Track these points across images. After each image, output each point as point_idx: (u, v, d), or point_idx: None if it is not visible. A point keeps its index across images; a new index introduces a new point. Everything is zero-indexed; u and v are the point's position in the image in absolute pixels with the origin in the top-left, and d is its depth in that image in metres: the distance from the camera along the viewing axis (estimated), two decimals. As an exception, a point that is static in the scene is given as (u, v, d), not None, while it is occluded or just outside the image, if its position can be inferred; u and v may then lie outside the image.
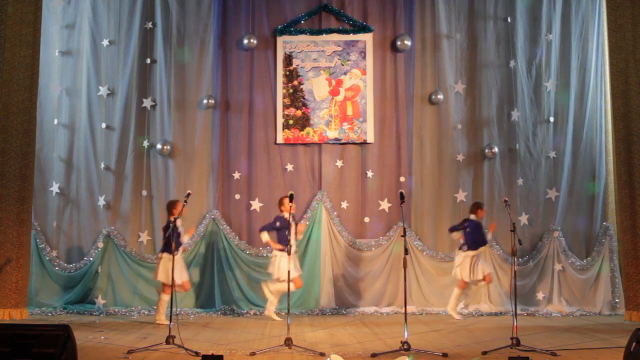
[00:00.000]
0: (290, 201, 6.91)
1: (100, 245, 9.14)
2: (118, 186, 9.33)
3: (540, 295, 9.17)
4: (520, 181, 9.40)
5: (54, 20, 9.40)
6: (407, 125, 9.55)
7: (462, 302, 9.12)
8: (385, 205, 9.46)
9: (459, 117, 9.55)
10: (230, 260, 9.19)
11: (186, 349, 6.04)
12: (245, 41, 9.38)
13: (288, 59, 9.55)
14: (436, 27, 9.59)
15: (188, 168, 9.39)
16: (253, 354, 5.93)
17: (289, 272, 6.61)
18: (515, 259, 6.90)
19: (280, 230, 8.19)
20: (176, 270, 7.39)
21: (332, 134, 9.49)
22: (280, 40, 9.55)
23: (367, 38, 9.55)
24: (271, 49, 9.60)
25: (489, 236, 8.54)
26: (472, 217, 8.46)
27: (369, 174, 9.48)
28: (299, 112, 9.49)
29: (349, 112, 9.51)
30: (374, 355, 5.89)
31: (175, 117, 9.44)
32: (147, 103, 9.41)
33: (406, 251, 6.28)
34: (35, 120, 8.57)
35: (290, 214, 7.18)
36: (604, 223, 9.32)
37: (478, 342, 6.64)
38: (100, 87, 9.40)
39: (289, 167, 9.46)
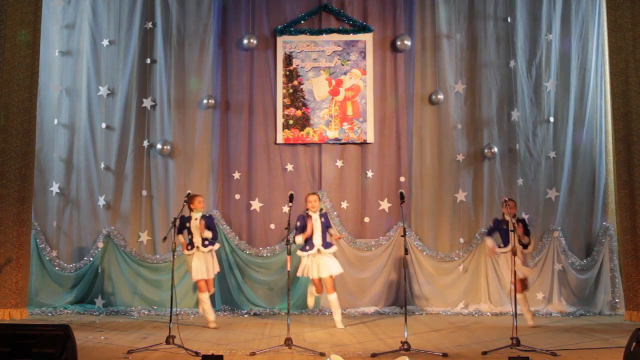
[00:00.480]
0: (290, 201, 6.91)
1: (100, 245, 9.15)
2: (118, 186, 9.33)
3: (540, 295, 9.17)
4: (520, 181, 9.40)
5: (54, 20, 9.40)
6: (407, 125, 9.55)
7: (463, 302, 9.15)
8: (385, 205, 9.46)
9: (459, 117, 9.55)
10: (230, 260, 9.19)
11: (186, 349, 6.05)
12: (245, 41, 9.38)
13: (288, 59, 9.55)
14: (436, 27, 9.59)
15: (188, 168, 9.39)
16: (253, 354, 5.94)
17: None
18: (515, 259, 6.90)
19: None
20: (203, 266, 7.66)
21: (332, 134, 9.49)
22: (280, 40, 9.55)
23: (367, 38, 9.55)
24: (271, 49, 9.60)
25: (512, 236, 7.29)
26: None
27: (369, 174, 9.48)
28: (299, 112, 9.49)
29: (349, 112, 9.51)
30: (374, 355, 5.89)
31: (175, 117, 9.44)
32: (147, 103, 9.41)
33: (406, 251, 6.29)
34: (35, 120, 8.57)
35: (316, 210, 7.51)
36: (604, 223, 9.32)
37: (478, 342, 6.64)
38: (100, 87, 9.40)
39: (289, 167, 9.46)
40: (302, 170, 9.52)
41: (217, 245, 7.98)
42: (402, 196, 6.69)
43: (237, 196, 9.40)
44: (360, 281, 9.28)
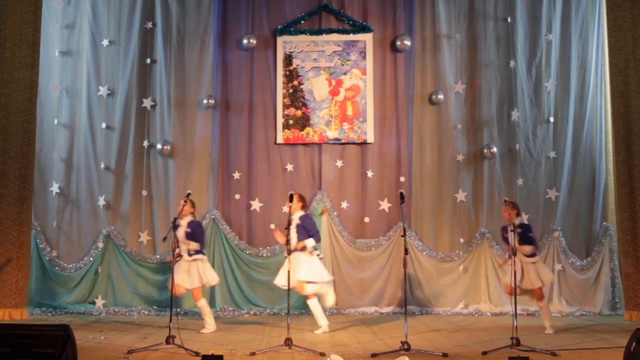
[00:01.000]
0: (290, 201, 6.90)
1: (100, 245, 9.14)
2: (118, 186, 9.33)
3: (540, 295, 9.17)
4: (520, 181, 9.40)
5: (54, 20, 9.40)
6: (407, 125, 9.55)
7: (463, 302, 9.15)
8: (385, 205, 9.46)
9: (459, 117, 9.55)
10: (230, 260, 9.19)
11: (186, 349, 6.05)
12: (245, 41, 9.38)
13: (288, 59, 9.55)
14: (436, 27, 9.58)
15: (188, 168, 9.39)
16: (253, 354, 5.94)
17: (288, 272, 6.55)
18: (515, 259, 6.90)
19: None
20: (186, 275, 7.32)
21: (332, 134, 9.49)
22: (280, 40, 9.55)
23: (367, 38, 9.54)
24: (271, 49, 9.60)
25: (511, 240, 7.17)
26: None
27: (369, 174, 9.48)
28: (299, 112, 9.49)
29: (349, 112, 9.51)
30: (374, 355, 5.89)
31: (175, 117, 9.44)
32: (147, 103, 9.41)
33: (406, 251, 6.29)
34: (35, 120, 8.58)
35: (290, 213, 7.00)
36: (604, 223, 9.32)
37: (478, 342, 6.64)
38: (100, 87, 9.40)
39: (289, 167, 9.46)
40: (302, 170, 9.51)
41: (201, 256, 7.50)
42: (402, 196, 6.69)
43: (237, 196, 9.40)
44: (360, 281, 9.28)
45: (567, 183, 9.42)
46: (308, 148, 9.56)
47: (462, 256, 9.32)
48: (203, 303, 7.49)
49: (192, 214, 7.60)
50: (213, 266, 9.18)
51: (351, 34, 9.55)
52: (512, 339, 6.23)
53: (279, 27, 9.51)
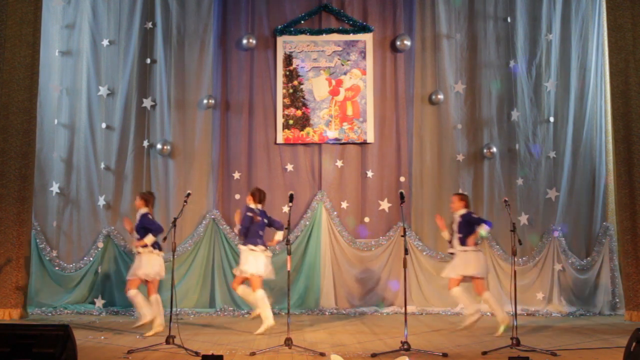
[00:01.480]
0: (290, 201, 6.89)
1: (100, 245, 9.14)
2: (118, 186, 9.32)
3: (540, 295, 9.17)
4: (520, 181, 9.40)
5: (54, 20, 9.40)
6: (407, 125, 9.55)
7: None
8: (385, 205, 9.46)
9: (459, 117, 9.55)
10: (230, 260, 9.17)
11: (186, 349, 6.05)
12: (245, 41, 9.38)
13: (288, 59, 9.55)
14: (436, 27, 9.58)
15: (188, 168, 9.39)
16: (253, 354, 5.94)
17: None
18: (515, 259, 6.90)
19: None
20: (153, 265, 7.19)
21: (332, 134, 9.49)
22: (280, 40, 9.55)
23: (367, 38, 9.54)
24: (271, 49, 9.60)
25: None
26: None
27: (369, 174, 9.48)
28: (299, 112, 9.49)
29: (349, 112, 9.51)
30: (374, 355, 5.89)
31: (175, 117, 9.44)
32: (147, 103, 9.41)
33: (406, 251, 6.28)
34: (35, 120, 8.58)
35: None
36: (604, 223, 9.32)
37: (478, 342, 6.64)
38: (100, 87, 9.40)
39: (289, 167, 9.46)
40: (302, 170, 9.51)
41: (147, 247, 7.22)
42: (402, 196, 6.68)
43: (237, 196, 9.39)
44: (360, 281, 9.28)
45: (567, 183, 9.41)
46: (308, 148, 9.56)
47: (462, 256, 9.31)
48: (132, 294, 7.22)
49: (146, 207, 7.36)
50: (213, 266, 9.22)
51: (351, 34, 9.55)
52: (512, 339, 6.23)
53: (279, 27, 9.51)
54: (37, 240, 9.07)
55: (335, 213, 9.38)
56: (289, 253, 6.51)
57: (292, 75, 9.53)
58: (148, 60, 9.42)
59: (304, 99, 9.52)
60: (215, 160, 9.39)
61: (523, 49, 9.55)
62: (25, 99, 8.39)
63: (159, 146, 9.28)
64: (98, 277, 9.11)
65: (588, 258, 9.27)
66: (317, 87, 9.54)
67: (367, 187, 9.50)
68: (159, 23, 9.45)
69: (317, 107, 9.51)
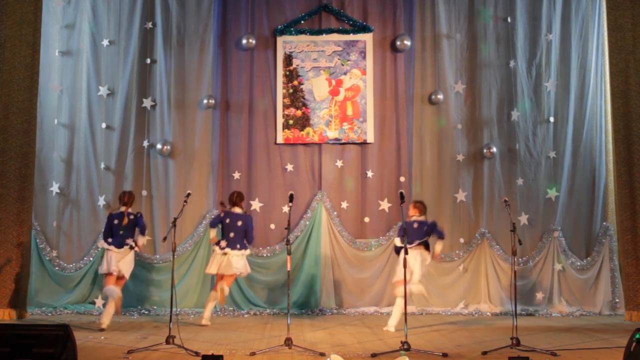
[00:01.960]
0: (290, 201, 6.89)
1: (100, 245, 9.13)
2: (118, 186, 9.31)
3: (540, 295, 9.17)
4: (520, 181, 9.40)
5: (54, 20, 9.39)
6: (407, 125, 9.55)
7: (463, 302, 9.14)
8: (385, 205, 9.46)
9: (459, 117, 9.55)
10: (230, 260, 9.18)
11: (186, 349, 6.05)
12: (245, 41, 9.38)
13: (288, 59, 9.55)
14: (436, 27, 9.59)
15: (188, 168, 9.39)
16: (253, 354, 5.94)
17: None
18: (515, 259, 6.90)
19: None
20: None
21: (332, 134, 9.49)
22: (280, 40, 9.55)
23: (367, 38, 9.55)
24: (271, 49, 9.60)
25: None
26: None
27: (369, 174, 9.48)
28: (299, 112, 9.49)
29: (349, 112, 9.51)
30: (374, 355, 5.89)
31: (175, 117, 9.44)
32: (147, 103, 9.41)
33: (406, 251, 6.28)
34: (35, 120, 8.58)
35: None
36: (604, 223, 9.32)
37: (478, 342, 6.64)
38: (100, 87, 9.40)
39: (289, 167, 9.46)
40: (302, 170, 9.51)
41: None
42: (402, 196, 6.68)
43: (237, 196, 9.39)
44: (360, 281, 9.28)
45: (567, 183, 9.42)
46: (308, 148, 9.56)
47: (462, 256, 9.32)
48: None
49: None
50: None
51: (351, 34, 9.55)
52: (512, 339, 6.23)
53: (279, 27, 9.51)
54: (37, 240, 9.06)
55: (335, 213, 9.38)
56: (289, 253, 6.51)
57: (292, 75, 9.53)
58: (148, 60, 9.42)
59: (304, 99, 9.52)
60: (215, 160, 9.39)
61: (523, 49, 9.55)
62: (25, 99, 8.39)
63: (159, 146, 9.28)
64: (98, 277, 9.08)
65: (588, 258, 9.28)
66: (317, 87, 9.54)
67: (367, 187, 9.50)
68: (159, 23, 9.45)
69: (317, 107, 9.52)
